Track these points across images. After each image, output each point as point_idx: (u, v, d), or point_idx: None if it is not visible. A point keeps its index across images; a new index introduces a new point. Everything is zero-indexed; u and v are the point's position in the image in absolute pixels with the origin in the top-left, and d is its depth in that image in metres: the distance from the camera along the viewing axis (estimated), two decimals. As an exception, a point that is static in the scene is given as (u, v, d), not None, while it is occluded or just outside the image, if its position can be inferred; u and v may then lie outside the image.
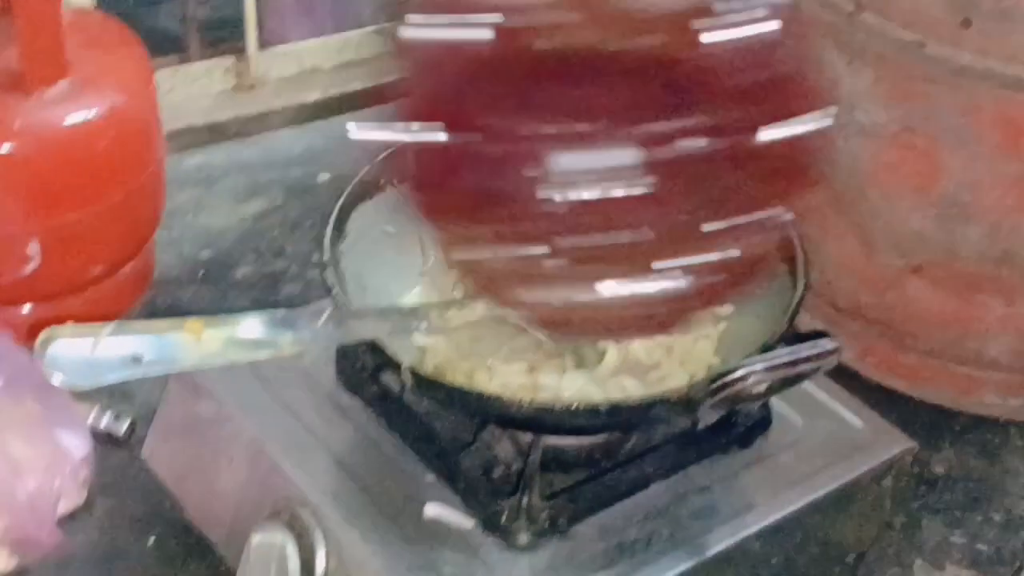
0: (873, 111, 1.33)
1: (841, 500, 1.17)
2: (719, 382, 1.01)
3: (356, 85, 1.94)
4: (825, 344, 1.02)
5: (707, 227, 0.86)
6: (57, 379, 0.84)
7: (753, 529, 1.11)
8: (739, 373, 1.00)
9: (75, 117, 1.38)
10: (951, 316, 1.39)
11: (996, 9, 1.22)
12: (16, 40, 1.34)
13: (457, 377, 1.10)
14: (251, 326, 0.94)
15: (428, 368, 1.08)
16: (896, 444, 1.20)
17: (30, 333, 1.32)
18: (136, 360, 0.87)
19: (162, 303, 1.58)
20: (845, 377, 1.36)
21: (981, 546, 1.35)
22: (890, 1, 1.29)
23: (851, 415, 1.22)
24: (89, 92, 1.40)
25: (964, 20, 1.23)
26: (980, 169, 1.30)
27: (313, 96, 1.92)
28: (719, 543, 1.09)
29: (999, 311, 1.37)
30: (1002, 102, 1.26)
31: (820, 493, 1.15)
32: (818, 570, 1.26)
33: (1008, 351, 1.40)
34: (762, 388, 1.02)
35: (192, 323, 0.91)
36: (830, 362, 1.03)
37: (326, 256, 1.10)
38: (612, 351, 1.15)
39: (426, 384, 1.04)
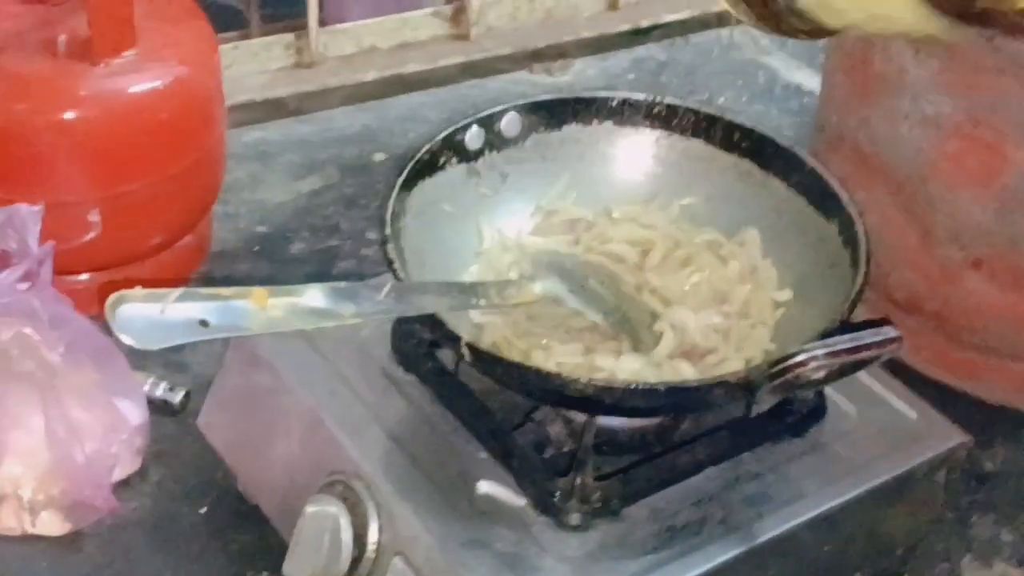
0: (938, 101, 1.32)
1: (893, 492, 1.16)
2: (779, 366, 1.00)
3: (413, 66, 1.94)
4: (888, 332, 1.02)
5: None
6: (126, 340, 0.84)
7: (804, 518, 1.10)
8: (800, 358, 1.00)
9: (140, 87, 1.39)
10: (1009, 311, 1.38)
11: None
12: (86, 9, 1.34)
13: (513, 355, 1.09)
14: (314, 296, 0.94)
15: (486, 344, 1.07)
16: (951, 437, 1.19)
17: (89, 301, 1.35)
18: (203, 324, 0.87)
19: (218, 276, 1.59)
20: (898, 371, 1.36)
21: (1033, 545, 1.34)
22: (963, -11, 1.28)
23: (906, 407, 1.21)
24: (155, 63, 1.40)
25: (1039, 9, 1.22)
26: (1049, 164, 1.29)
27: (371, 75, 1.92)
28: (770, 531, 1.08)
29: (1058, 307, 1.36)
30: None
31: (872, 484, 1.14)
32: (867, 562, 1.25)
33: (1066, 350, 1.39)
34: (821, 374, 1.01)
35: (258, 291, 0.91)
36: (892, 350, 1.03)
37: (387, 231, 1.10)
38: (668, 334, 1.15)
39: (484, 359, 1.04)
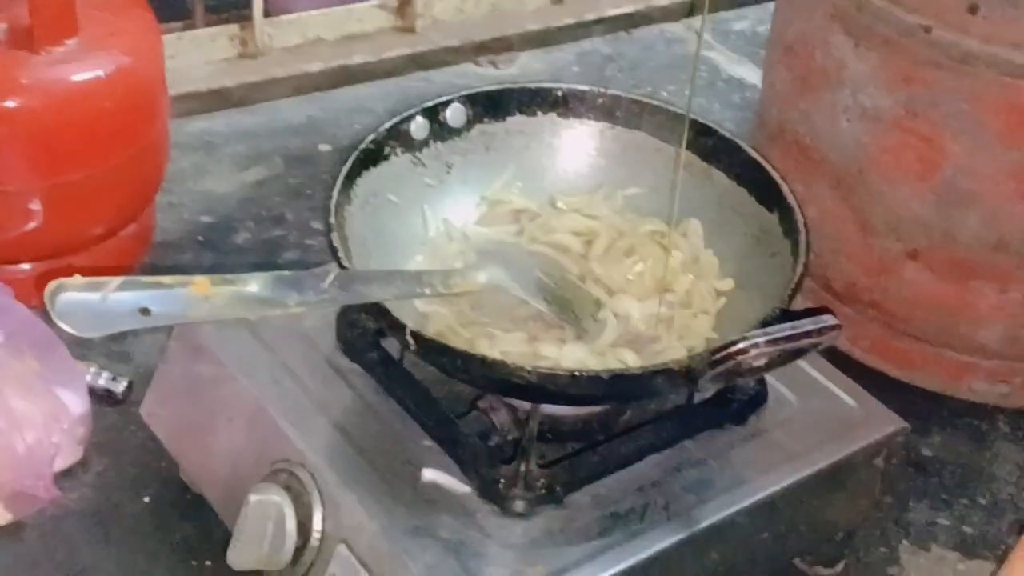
0: (877, 95, 1.34)
1: (832, 478, 1.17)
2: (720, 354, 1.00)
3: (359, 58, 1.94)
4: (827, 320, 1.02)
5: None
6: (66, 327, 0.83)
7: (745, 504, 1.11)
8: (741, 346, 1.00)
9: (82, 76, 1.38)
10: (945, 302, 1.40)
11: (1003, -3, 1.23)
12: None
13: (458, 343, 1.09)
14: (257, 285, 0.93)
15: (431, 333, 1.07)
16: (889, 425, 1.20)
17: (30, 291, 1.34)
18: (144, 312, 0.86)
19: (162, 265, 1.58)
20: (837, 360, 1.37)
21: (967, 528, 1.36)
22: (897, -13, 1.29)
23: (845, 395, 1.22)
24: (97, 52, 1.39)
25: (971, 6, 1.23)
26: (981, 156, 1.30)
27: (316, 67, 1.92)
28: (711, 516, 1.09)
29: (992, 298, 1.38)
30: (1007, 89, 1.26)
31: (812, 470, 1.15)
32: (807, 547, 1.27)
33: (999, 338, 1.41)
34: (762, 362, 1.01)
35: (200, 280, 0.91)
36: (831, 338, 1.03)
37: (332, 220, 1.09)
38: (612, 323, 1.15)
39: (429, 348, 1.03)
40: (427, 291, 1.08)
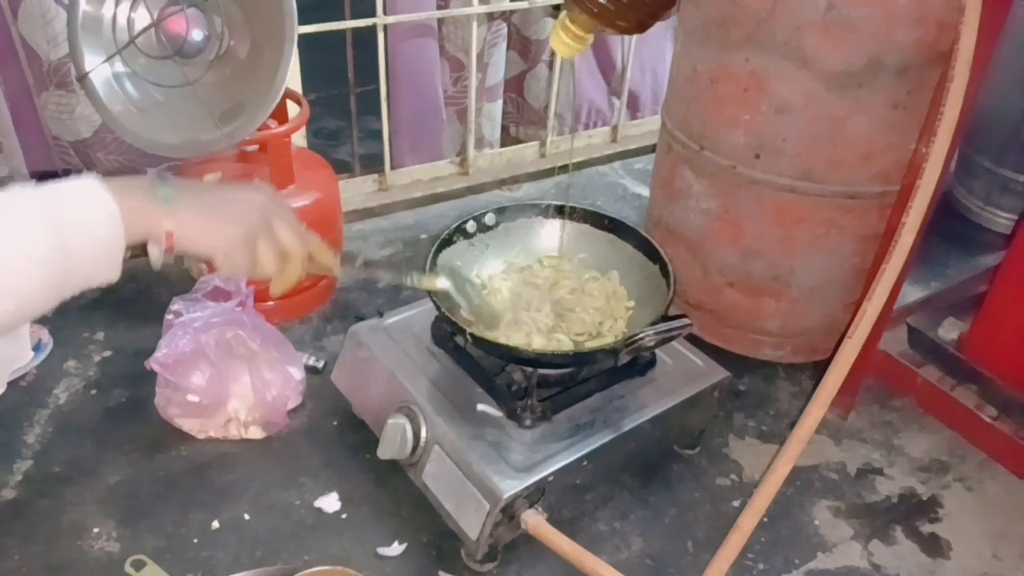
0: (707, 201, 1.32)
1: (690, 403, 1.16)
2: (629, 341, 1.01)
3: (440, 188, 1.93)
4: (684, 321, 1.02)
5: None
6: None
7: (647, 417, 1.10)
8: (639, 336, 1.01)
9: (297, 204, 1.38)
10: (748, 308, 1.38)
11: (773, 148, 1.21)
12: (268, 164, 1.35)
13: (491, 338, 1.09)
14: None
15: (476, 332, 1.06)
16: (720, 374, 1.19)
17: (272, 315, 1.34)
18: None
19: (339, 299, 1.57)
20: (692, 340, 1.35)
21: (763, 427, 1.34)
22: (718, 142, 1.27)
23: (696, 359, 1.21)
24: (304, 192, 1.39)
25: (756, 154, 1.23)
26: (764, 232, 1.28)
27: (418, 194, 1.91)
28: (628, 425, 1.09)
29: (772, 306, 1.36)
30: (777, 198, 1.25)
31: (681, 399, 1.14)
32: (680, 439, 1.26)
33: (777, 326, 1.39)
34: (651, 344, 1.02)
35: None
36: (687, 330, 1.03)
37: (427, 271, 1.10)
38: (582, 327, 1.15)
39: (478, 341, 1.04)
40: (408, 281, 1.03)
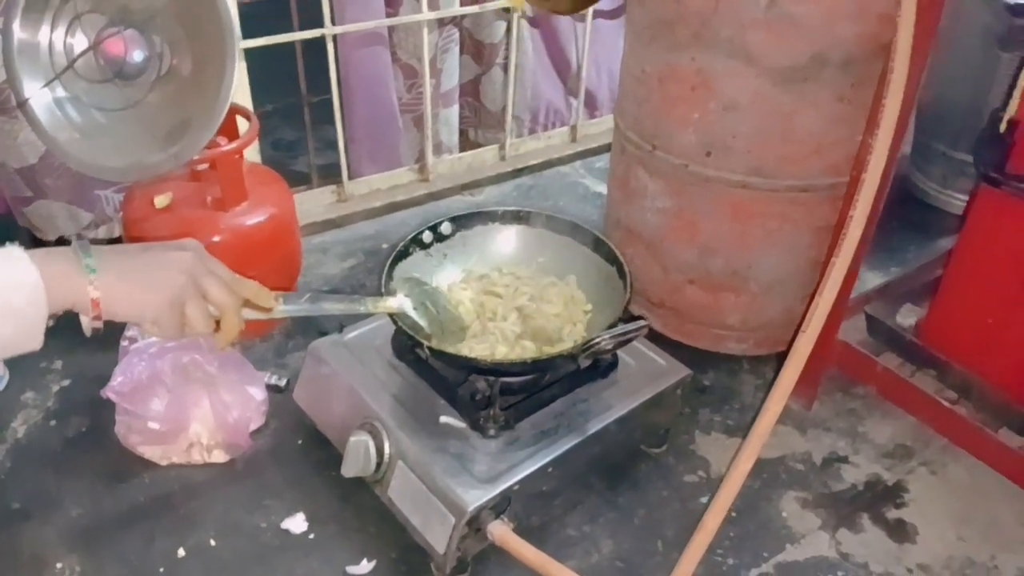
0: (662, 200, 1.33)
1: (654, 402, 1.17)
2: (588, 345, 1.01)
3: (400, 196, 1.92)
4: (640, 323, 1.02)
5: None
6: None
7: (611, 419, 1.11)
8: (597, 340, 1.01)
9: (251, 221, 1.36)
10: (709, 304, 1.38)
11: (724, 145, 1.22)
12: (219, 182, 1.33)
13: (450, 350, 1.09)
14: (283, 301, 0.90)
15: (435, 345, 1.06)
16: (682, 372, 1.20)
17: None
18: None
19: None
20: (656, 338, 1.37)
21: (729, 422, 1.35)
22: (669, 142, 1.28)
23: (658, 358, 1.22)
24: (258, 207, 1.38)
25: (708, 152, 1.24)
26: (720, 229, 1.29)
27: (377, 203, 1.90)
28: (593, 428, 1.09)
29: (733, 301, 1.37)
30: (730, 194, 1.25)
31: (644, 399, 1.15)
32: (645, 438, 1.26)
33: (738, 320, 1.40)
34: (610, 346, 1.02)
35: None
36: (644, 332, 1.03)
37: (383, 289, 1.10)
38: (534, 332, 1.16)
39: (438, 353, 1.04)
40: (361, 309, 1.01)
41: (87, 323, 0.72)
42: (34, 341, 0.69)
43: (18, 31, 1.08)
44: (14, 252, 0.67)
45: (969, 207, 1.22)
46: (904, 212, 1.93)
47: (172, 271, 0.75)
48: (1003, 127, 1.09)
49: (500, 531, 0.99)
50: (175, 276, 0.75)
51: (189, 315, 0.77)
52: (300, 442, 1.26)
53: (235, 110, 1.38)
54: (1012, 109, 1.08)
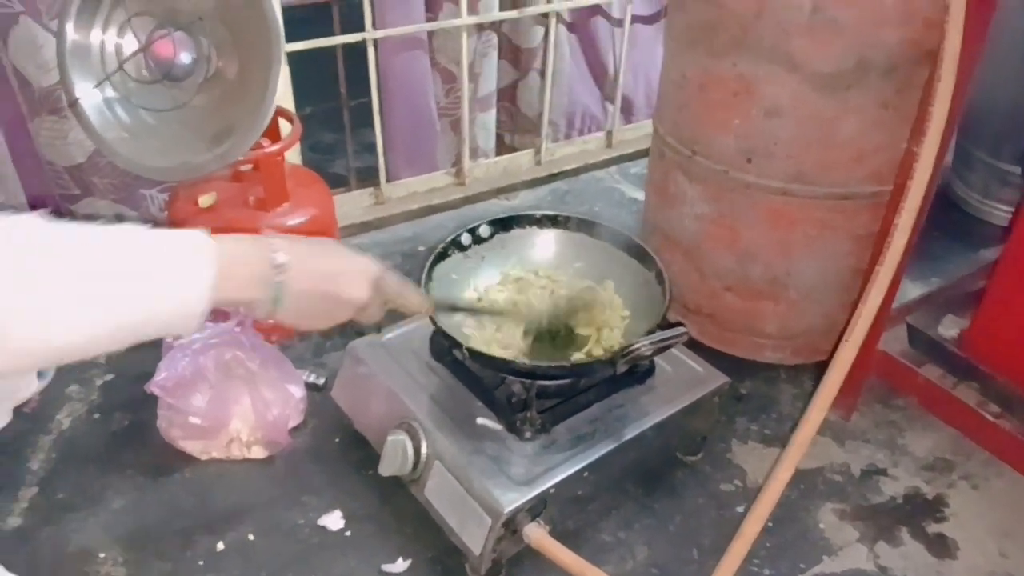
0: (701, 206, 1.32)
1: (691, 409, 1.16)
2: (626, 351, 1.02)
3: (436, 200, 1.93)
4: (680, 329, 1.03)
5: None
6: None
7: (648, 425, 1.11)
8: (635, 346, 1.01)
9: (292, 222, 1.38)
10: (747, 312, 1.38)
11: (765, 151, 1.22)
12: (261, 183, 1.35)
13: (487, 351, 1.10)
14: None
15: (474, 346, 1.07)
16: (719, 379, 1.19)
17: (270, 333, 1.34)
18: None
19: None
20: (693, 345, 1.36)
21: (767, 431, 1.34)
22: (709, 147, 1.28)
23: (696, 365, 1.21)
24: (299, 209, 1.39)
25: (748, 159, 1.23)
26: (759, 235, 1.28)
27: (415, 206, 1.91)
28: (630, 434, 1.09)
29: (771, 309, 1.36)
30: (770, 201, 1.25)
31: (681, 406, 1.14)
32: (682, 445, 1.26)
33: (776, 328, 1.39)
34: (648, 353, 1.02)
35: None
36: (683, 339, 1.03)
37: (423, 290, 1.10)
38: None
39: (475, 355, 1.05)
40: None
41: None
42: (188, 329, 0.69)
43: (71, 32, 1.11)
44: (198, 240, 0.68)
45: (1016, 217, 1.20)
46: (944, 221, 1.90)
47: (348, 307, 0.81)
48: (1051, 137, 1.07)
49: (537, 534, 0.99)
50: (348, 311, 0.82)
51: (365, 319, 0.85)
52: (338, 440, 1.27)
53: (278, 112, 1.39)
54: (1061, 118, 1.06)
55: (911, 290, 1.57)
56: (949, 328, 1.36)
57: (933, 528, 1.19)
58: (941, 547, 1.16)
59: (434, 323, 1.07)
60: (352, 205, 1.89)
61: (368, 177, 1.95)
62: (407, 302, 0.92)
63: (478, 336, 1.14)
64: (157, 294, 0.64)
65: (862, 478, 1.26)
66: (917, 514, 1.21)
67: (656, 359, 1.19)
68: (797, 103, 1.16)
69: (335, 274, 0.80)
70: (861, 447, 1.32)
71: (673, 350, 1.19)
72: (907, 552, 1.15)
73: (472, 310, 1.15)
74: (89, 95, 1.16)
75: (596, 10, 2.02)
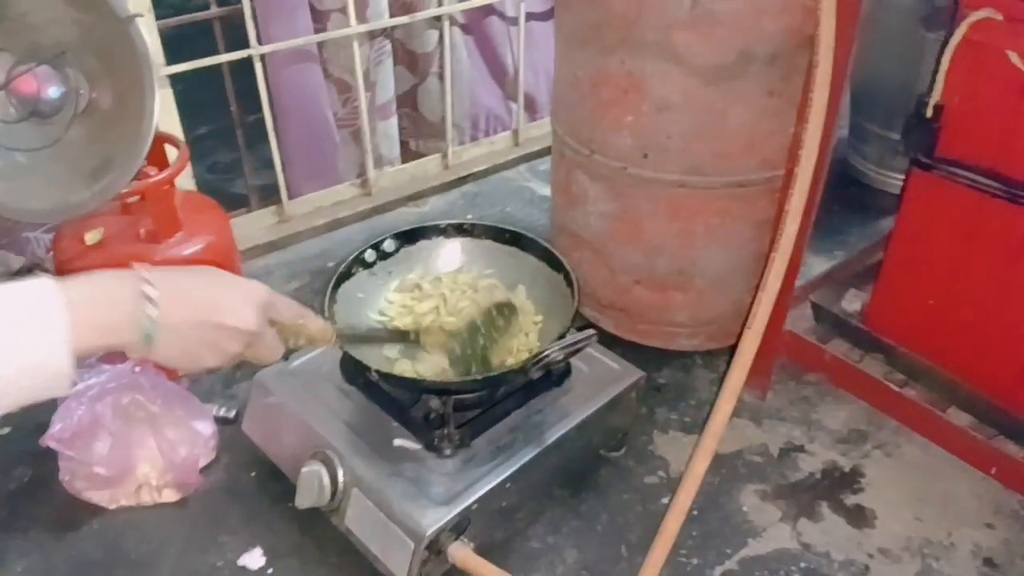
0: (604, 204, 1.32)
1: (610, 406, 1.17)
2: (538, 358, 1.01)
3: (343, 213, 1.89)
4: (589, 332, 1.02)
5: None
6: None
7: (568, 427, 1.11)
8: (547, 353, 1.01)
9: (188, 251, 1.33)
10: (658, 304, 1.39)
11: (659, 146, 1.22)
12: (150, 214, 1.30)
13: (404, 372, 1.08)
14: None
15: (390, 368, 1.05)
16: (635, 374, 1.20)
17: (175, 371, 1.29)
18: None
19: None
20: (608, 339, 1.38)
21: (686, 419, 1.36)
22: (606, 145, 1.28)
23: (611, 362, 1.21)
24: (193, 237, 1.35)
25: (644, 154, 1.24)
26: (662, 229, 1.29)
27: (320, 221, 1.87)
28: (551, 437, 1.09)
29: (680, 298, 1.37)
30: (669, 194, 1.26)
31: (600, 404, 1.15)
32: (604, 442, 1.26)
33: (687, 317, 1.40)
34: (560, 357, 1.02)
35: None
36: (592, 341, 1.03)
37: (326, 313, 1.08)
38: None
39: (386, 376, 1.03)
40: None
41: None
42: (60, 390, 0.63)
43: (-77, 75, 1.04)
44: (43, 290, 0.61)
45: (903, 191, 1.24)
46: (844, 194, 1.96)
47: (233, 341, 0.74)
48: (929, 112, 1.11)
49: (462, 553, 0.98)
50: (236, 343, 0.74)
51: (260, 355, 0.79)
52: (253, 475, 1.24)
53: (162, 139, 1.34)
54: (937, 94, 1.10)
55: (816, 265, 1.61)
56: (852, 302, 1.41)
57: (851, 500, 1.22)
58: (859, 517, 1.19)
59: (342, 348, 1.05)
60: (254, 225, 1.84)
61: (270, 195, 1.90)
62: (307, 330, 0.87)
63: (402, 361, 1.12)
64: (6, 360, 0.59)
65: (780, 457, 1.29)
66: (835, 487, 1.24)
67: (572, 360, 1.18)
68: (686, 97, 1.17)
69: (215, 302, 0.72)
70: (778, 425, 1.35)
71: (588, 349, 1.19)
72: (827, 527, 1.18)
73: (379, 339, 1.12)
74: (-49, 138, 1.10)
75: (489, 10, 2.01)
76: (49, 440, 1.12)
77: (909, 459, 1.29)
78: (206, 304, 0.72)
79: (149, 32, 1.20)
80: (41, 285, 0.61)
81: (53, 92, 1.08)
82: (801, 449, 1.31)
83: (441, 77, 1.99)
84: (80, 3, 1.05)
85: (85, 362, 1.19)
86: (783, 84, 1.16)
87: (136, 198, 1.33)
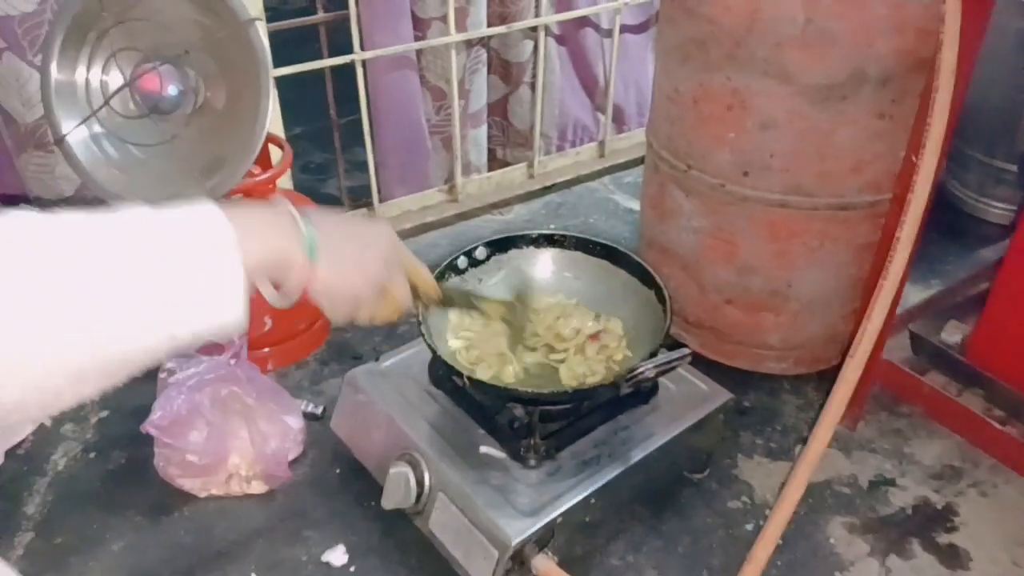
0: (698, 220, 1.30)
1: (696, 427, 1.14)
2: (630, 375, 1.00)
3: (430, 217, 1.91)
4: (684, 351, 1.01)
5: None
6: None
7: (654, 447, 1.09)
8: (640, 369, 1.00)
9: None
10: (748, 324, 1.36)
11: (761, 164, 1.20)
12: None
13: (484, 378, 1.08)
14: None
15: (476, 375, 1.05)
16: (724, 396, 1.17)
17: (265, 363, 1.32)
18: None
19: (332, 340, 1.55)
20: (695, 358, 1.34)
21: (772, 444, 1.33)
22: (705, 161, 1.26)
23: (699, 382, 1.19)
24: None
25: (744, 172, 1.21)
26: (758, 248, 1.27)
27: (408, 225, 1.89)
28: (636, 456, 1.08)
29: (772, 320, 1.34)
30: (768, 213, 1.23)
31: (686, 425, 1.13)
32: (688, 463, 1.24)
33: (778, 340, 1.37)
34: (651, 375, 1.01)
35: None
36: (685, 360, 1.02)
37: (419, 316, 1.08)
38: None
39: (475, 383, 1.03)
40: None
41: (273, 295, 0.65)
42: (233, 311, 0.56)
43: (55, 72, 1.09)
44: (206, 209, 0.57)
45: (1018, 220, 1.19)
46: (941, 222, 1.87)
47: (377, 261, 0.72)
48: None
49: (545, 566, 0.97)
50: (379, 266, 0.72)
51: (395, 294, 0.76)
52: (339, 471, 1.25)
53: (268, 139, 1.37)
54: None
55: (912, 294, 1.56)
56: (952, 334, 1.35)
57: (944, 538, 1.17)
58: (953, 558, 1.14)
59: (432, 351, 1.06)
60: (346, 227, 1.86)
61: (361, 196, 1.93)
62: (422, 278, 0.87)
63: (464, 355, 1.12)
64: (180, 281, 0.54)
65: (870, 489, 1.25)
66: (927, 524, 1.19)
67: (661, 379, 1.17)
68: (792, 116, 1.14)
69: (354, 224, 0.76)
70: (868, 457, 1.30)
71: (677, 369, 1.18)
72: (918, 565, 1.13)
73: (476, 306, 1.02)
74: (76, 132, 1.14)
75: (584, 22, 2.01)
76: (149, 427, 1.15)
77: (1006, 499, 1.23)
78: (349, 224, 0.74)
79: (264, 35, 1.23)
80: (203, 206, 0.58)
81: (173, 90, 1.12)
82: (892, 483, 1.26)
83: (533, 87, 1.99)
84: (204, 5, 1.08)
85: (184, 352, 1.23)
86: (894, 107, 1.12)
87: (240, 196, 1.37)
